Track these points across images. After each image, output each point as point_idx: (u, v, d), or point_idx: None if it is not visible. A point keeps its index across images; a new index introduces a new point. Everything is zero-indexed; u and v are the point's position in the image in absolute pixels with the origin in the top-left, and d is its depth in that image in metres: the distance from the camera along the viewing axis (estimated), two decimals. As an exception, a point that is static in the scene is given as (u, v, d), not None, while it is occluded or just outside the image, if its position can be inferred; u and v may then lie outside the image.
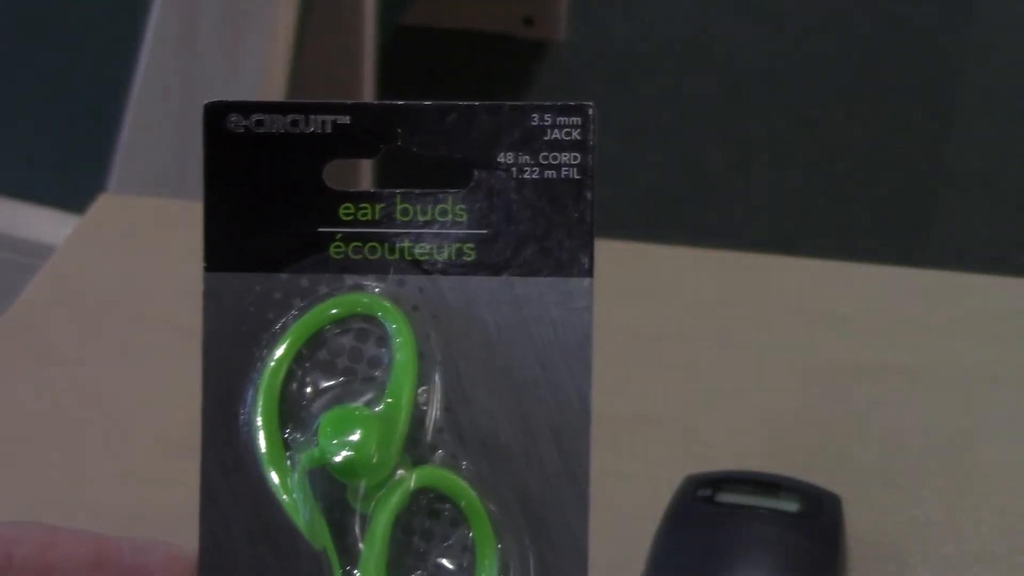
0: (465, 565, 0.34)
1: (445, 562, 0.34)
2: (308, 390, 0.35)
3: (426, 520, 0.35)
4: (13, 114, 1.51)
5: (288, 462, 0.34)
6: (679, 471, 0.60)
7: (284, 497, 0.34)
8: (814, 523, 0.57)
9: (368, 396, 0.35)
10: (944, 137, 1.85)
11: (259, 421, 0.34)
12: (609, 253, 0.78)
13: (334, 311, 0.35)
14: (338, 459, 0.33)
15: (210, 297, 0.35)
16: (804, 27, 1.99)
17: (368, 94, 1.50)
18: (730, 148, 1.86)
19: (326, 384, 0.35)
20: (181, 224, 0.82)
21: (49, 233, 1.42)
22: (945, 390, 0.68)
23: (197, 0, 1.48)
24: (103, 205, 0.83)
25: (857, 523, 0.60)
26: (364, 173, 0.95)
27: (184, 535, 0.40)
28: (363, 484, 0.34)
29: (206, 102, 0.35)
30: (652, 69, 1.97)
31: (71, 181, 1.45)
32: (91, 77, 1.48)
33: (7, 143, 1.51)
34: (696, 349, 0.71)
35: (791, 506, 0.57)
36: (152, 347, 0.71)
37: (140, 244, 0.80)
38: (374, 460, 0.34)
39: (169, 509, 0.61)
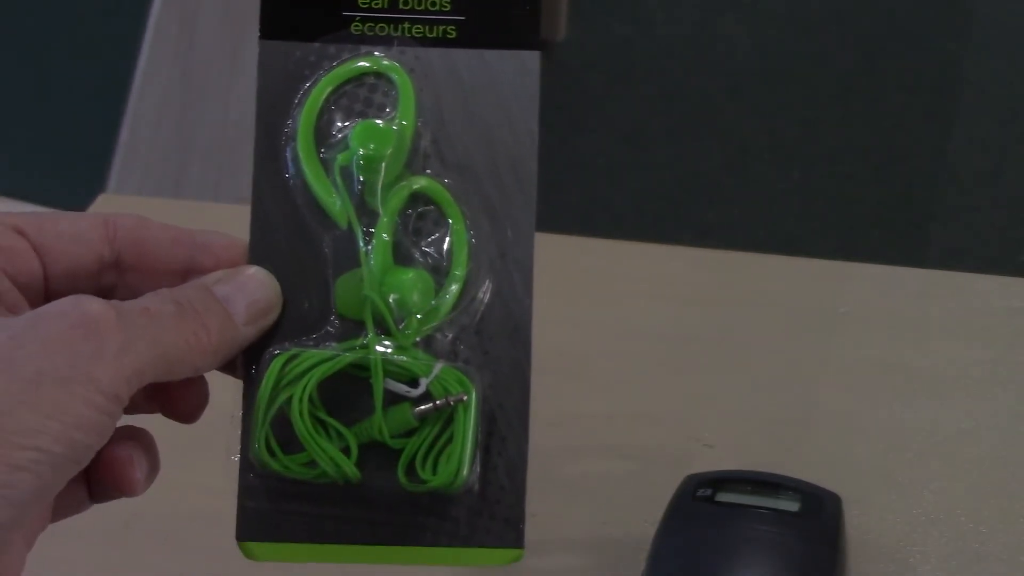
0: (444, 254, 0.46)
1: (429, 251, 0.46)
2: (334, 124, 0.47)
3: (417, 221, 0.46)
4: (13, 114, 1.51)
5: (323, 170, 0.46)
6: (679, 471, 0.60)
7: (321, 192, 0.46)
8: (814, 523, 0.57)
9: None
10: (944, 137, 1.85)
11: (299, 142, 0.46)
12: (609, 253, 0.78)
13: (353, 67, 0.47)
14: (365, 151, 0.45)
15: (263, 59, 0.47)
16: (804, 27, 1.99)
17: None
18: (730, 148, 1.86)
19: (347, 122, 0.46)
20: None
21: (49, 233, 1.41)
22: (945, 390, 0.68)
23: (197, 0, 1.48)
24: (103, 205, 0.83)
25: (857, 523, 0.60)
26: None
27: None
28: (380, 182, 0.45)
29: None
30: (652, 69, 1.97)
31: (71, 181, 1.45)
32: (91, 77, 1.48)
33: (7, 143, 1.51)
34: (696, 349, 0.71)
35: (791, 506, 0.57)
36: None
37: (140, 244, 0.79)
38: (391, 153, 0.45)
39: (171, 517, 0.60)
